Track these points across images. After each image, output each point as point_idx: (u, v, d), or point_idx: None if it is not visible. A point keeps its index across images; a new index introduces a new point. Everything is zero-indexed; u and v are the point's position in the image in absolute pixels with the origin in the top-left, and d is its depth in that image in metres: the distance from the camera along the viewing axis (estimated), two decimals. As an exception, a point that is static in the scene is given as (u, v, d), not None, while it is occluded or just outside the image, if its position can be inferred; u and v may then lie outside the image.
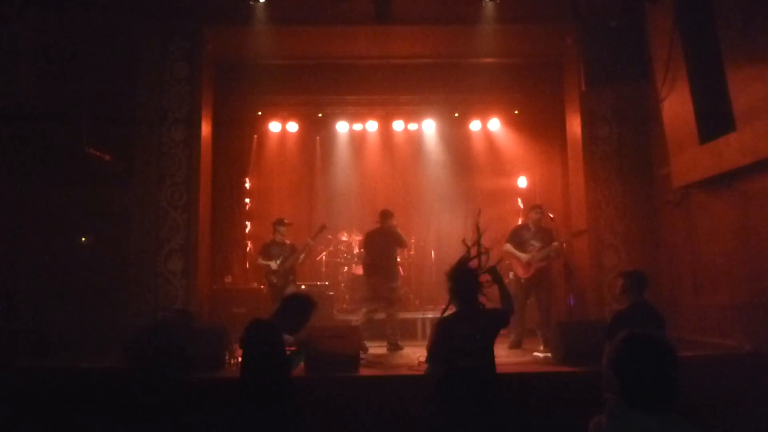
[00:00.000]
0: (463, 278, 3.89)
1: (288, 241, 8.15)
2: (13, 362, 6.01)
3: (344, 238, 10.09)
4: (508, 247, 7.70)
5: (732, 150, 6.09)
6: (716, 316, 6.85)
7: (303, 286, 8.64)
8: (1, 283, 7.15)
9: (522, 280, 7.63)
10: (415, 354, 6.88)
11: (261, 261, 8.06)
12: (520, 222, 9.60)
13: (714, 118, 6.32)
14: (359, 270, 9.66)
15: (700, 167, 6.68)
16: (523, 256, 7.57)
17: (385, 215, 7.99)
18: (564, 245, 7.59)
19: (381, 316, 7.86)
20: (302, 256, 8.17)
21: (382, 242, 7.94)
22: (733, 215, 6.56)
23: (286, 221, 8.25)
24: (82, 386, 5.28)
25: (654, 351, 1.98)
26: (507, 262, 8.43)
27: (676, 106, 6.99)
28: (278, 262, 7.88)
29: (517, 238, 7.76)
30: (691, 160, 6.86)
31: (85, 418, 4.79)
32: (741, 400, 5.30)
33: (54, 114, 7.11)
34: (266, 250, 8.05)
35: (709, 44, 6.25)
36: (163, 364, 4.29)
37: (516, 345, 7.44)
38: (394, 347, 7.51)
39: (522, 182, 10.41)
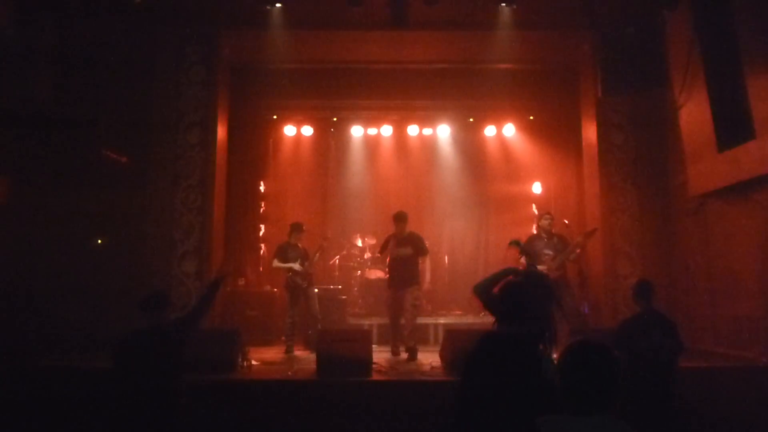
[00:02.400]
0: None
1: (300, 245, 8.18)
2: (28, 362, 6.07)
3: (358, 243, 10.09)
4: (523, 260, 7.62)
5: (751, 158, 6.01)
6: (732, 327, 6.77)
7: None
8: (19, 284, 7.22)
9: None
10: (428, 360, 6.85)
11: (278, 263, 8.04)
12: (534, 230, 9.55)
13: (732, 126, 6.24)
14: (372, 274, 9.65)
15: (718, 176, 6.61)
16: (539, 268, 7.46)
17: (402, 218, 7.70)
18: (578, 250, 7.51)
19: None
20: (317, 256, 8.22)
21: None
22: (751, 225, 6.48)
23: (304, 227, 8.28)
24: (89, 386, 5.30)
25: (592, 356, 2.08)
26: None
27: (694, 114, 6.92)
28: (299, 263, 7.93)
29: (530, 249, 7.66)
30: (708, 168, 6.78)
31: (93, 418, 4.81)
32: (756, 413, 5.23)
33: (71, 119, 7.17)
34: (283, 253, 8.05)
35: (729, 51, 6.17)
36: (154, 368, 4.00)
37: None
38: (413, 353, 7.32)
39: (536, 188, 10.36)
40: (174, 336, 4.22)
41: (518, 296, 3.22)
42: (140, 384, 3.98)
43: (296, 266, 7.90)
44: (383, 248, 7.81)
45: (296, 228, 8.20)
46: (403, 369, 6.58)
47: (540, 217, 7.85)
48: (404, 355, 7.30)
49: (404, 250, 7.60)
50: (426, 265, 7.78)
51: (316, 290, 8.21)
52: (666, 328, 4.39)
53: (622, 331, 4.49)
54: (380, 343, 8.10)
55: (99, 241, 8.04)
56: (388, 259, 8.05)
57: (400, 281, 7.56)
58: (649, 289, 4.56)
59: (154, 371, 4.02)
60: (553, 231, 7.67)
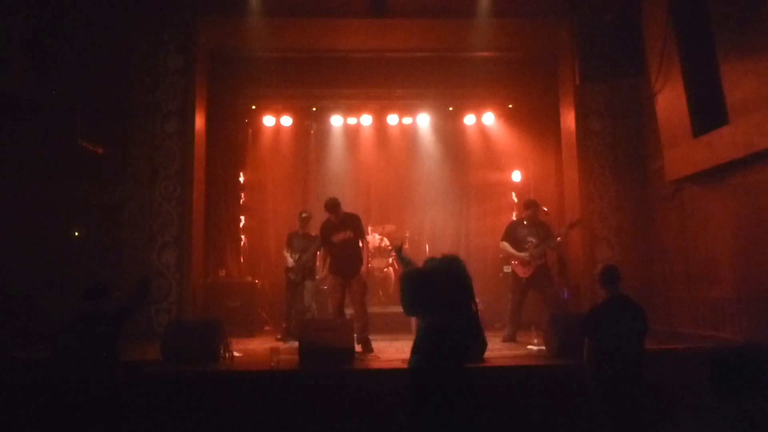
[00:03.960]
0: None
1: (313, 233, 7.94)
2: (2, 353, 6.00)
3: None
4: (505, 245, 7.65)
5: (725, 143, 6.11)
6: (708, 309, 6.90)
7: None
8: None
9: (522, 280, 7.58)
10: (409, 348, 6.87)
11: (284, 252, 8.01)
12: (514, 217, 9.61)
13: (707, 111, 6.34)
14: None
15: (693, 161, 6.71)
16: (522, 255, 7.48)
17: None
18: (560, 239, 7.58)
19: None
20: (311, 249, 7.99)
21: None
22: (726, 208, 6.60)
23: (303, 215, 8.11)
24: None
25: None
26: (501, 256, 8.46)
27: (670, 100, 7.01)
28: (296, 257, 7.84)
29: (512, 235, 7.68)
30: (684, 153, 6.88)
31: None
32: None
33: (46, 104, 7.03)
34: (289, 242, 8.03)
35: (704, 37, 6.26)
36: (90, 358, 4.19)
37: (510, 338, 7.46)
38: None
39: (516, 176, 10.42)
40: (111, 323, 4.38)
41: (422, 287, 3.37)
42: (79, 369, 4.14)
43: (289, 261, 7.85)
44: (324, 240, 7.27)
45: (300, 217, 8.12)
46: (386, 357, 6.60)
47: (526, 205, 7.85)
48: (359, 349, 6.77)
49: (344, 234, 7.12)
50: (366, 248, 7.30)
51: (309, 282, 8.04)
52: (634, 312, 4.46)
53: (591, 317, 4.54)
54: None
55: (76, 233, 7.93)
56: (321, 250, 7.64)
57: (344, 268, 7.06)
58: (615, 275, 4.61)
59: (92, 356, 4.19)
60: (537, 219, 7.71)
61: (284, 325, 7.89)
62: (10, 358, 5.87)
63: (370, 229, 9.74)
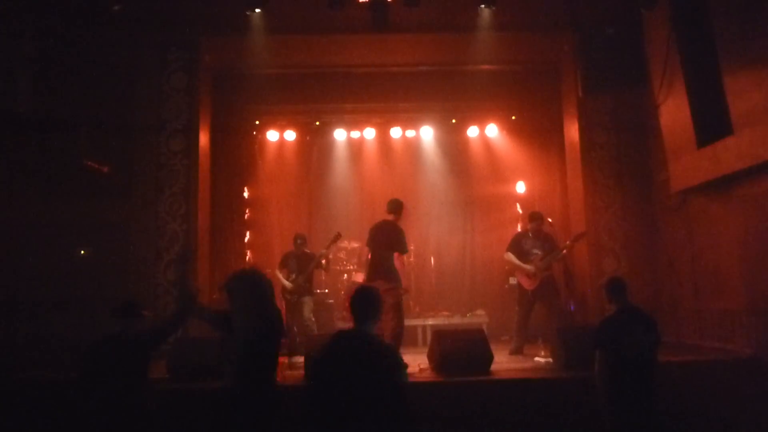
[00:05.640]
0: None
1: (308, 251, 8.03)
2: (12, 373, 5.99)
3: (343, 246, 10.06)
4: (510, 256, 7.62)
5: (730, 154, 6.11)
6: (716, 321, 6.86)
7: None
8: (2, 295, 7.12)
9: (528, 292, 7.56)
10: (416, 361, 6.85)
11: (278, 273, 7.96)
12: (519, 229, 9.60)
13: (711, 122, 6.34)
14: (359, 277, 9.61)
15: (698, 172, 6.70)
16: (527, 267, 7.46)
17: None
18: (565, 252, 7.56)
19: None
20: (323, 264, 7.98)
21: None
22: (732, 219, 6.57)
23: (299, 241, 8.02)
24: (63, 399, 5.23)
25: None
26: (507, 267, 8.43)
27: (674, 111, 7.02)
28: (292, 278, 7.83)
29: (517, 247, 7.65)
30: (689, 164, 6.87)
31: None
32: (741, 405, 5.29)
33: (52, 123, 7.10)
34: (285, 262, 8.01)
35: (706, 49, 6.27)
36: (117, 378, 4.05)
37: (517, 351, 7.42)
38: None
39: (520, 188, 10.41)
40: (142, 344, 4.26)
41: (370, 298, 3.42)
42: (107, 388, 4.03)
43: (287, 284, 7.84)
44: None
45: (295, 242, 8.01)
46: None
47: (530, 217, 7.82)
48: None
49: None
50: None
51: (308, 298, 7.98)
52: (647, 324, 4.43)
53: (604, 329, 4.50)
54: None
55: (83, 252, 7.96)
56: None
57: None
58: (622, 286, 4.59)
59: (120, 375, 4.07)
60: (542, 231, 7.69)
61: (286, 341, 7.86)
62: (29, 379, 5.85)
63: None
